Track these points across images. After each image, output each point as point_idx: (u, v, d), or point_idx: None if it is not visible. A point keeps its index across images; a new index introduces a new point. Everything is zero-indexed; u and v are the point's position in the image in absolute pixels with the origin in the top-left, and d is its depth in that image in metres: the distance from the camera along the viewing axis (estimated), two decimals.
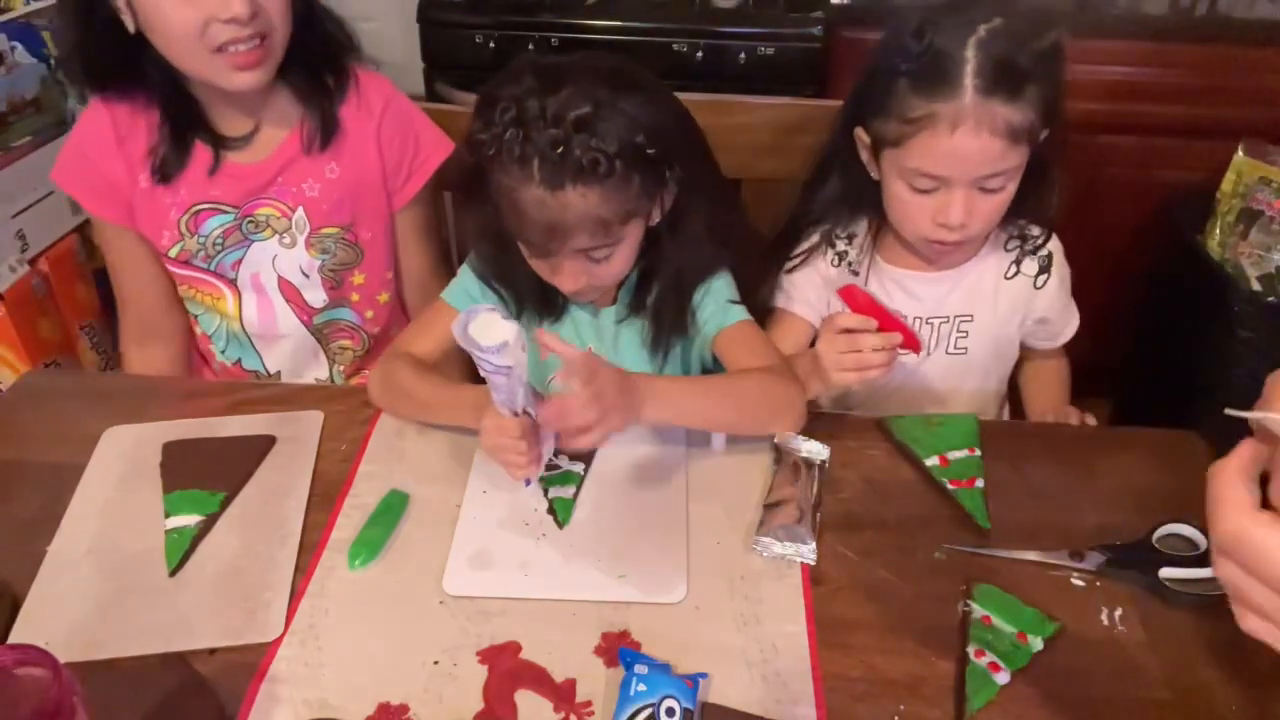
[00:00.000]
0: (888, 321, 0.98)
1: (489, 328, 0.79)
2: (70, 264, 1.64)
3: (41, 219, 1.60)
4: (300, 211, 1.18)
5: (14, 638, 0.80)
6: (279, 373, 1.28)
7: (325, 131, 1.15)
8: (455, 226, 1.38)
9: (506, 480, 0.95)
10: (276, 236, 1.19)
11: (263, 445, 1.00)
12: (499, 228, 0.99)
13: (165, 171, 1.13)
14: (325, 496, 0.94)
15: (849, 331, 0.98)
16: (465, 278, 1.09)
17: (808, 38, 1.75)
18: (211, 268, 1.19)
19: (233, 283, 1.21)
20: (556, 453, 0.96)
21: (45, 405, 1.08)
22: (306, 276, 1.22)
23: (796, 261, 1.16)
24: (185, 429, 1.02)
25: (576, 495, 0.94)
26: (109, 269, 1.25)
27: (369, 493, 0.94)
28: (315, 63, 1.14)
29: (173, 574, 0.86)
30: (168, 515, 0.91)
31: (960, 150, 0.96)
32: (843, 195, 1.14)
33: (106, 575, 0.86)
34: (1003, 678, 0.77)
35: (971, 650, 0.79)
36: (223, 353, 1.27)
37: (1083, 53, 1.76)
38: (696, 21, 1.79)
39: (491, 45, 1.80)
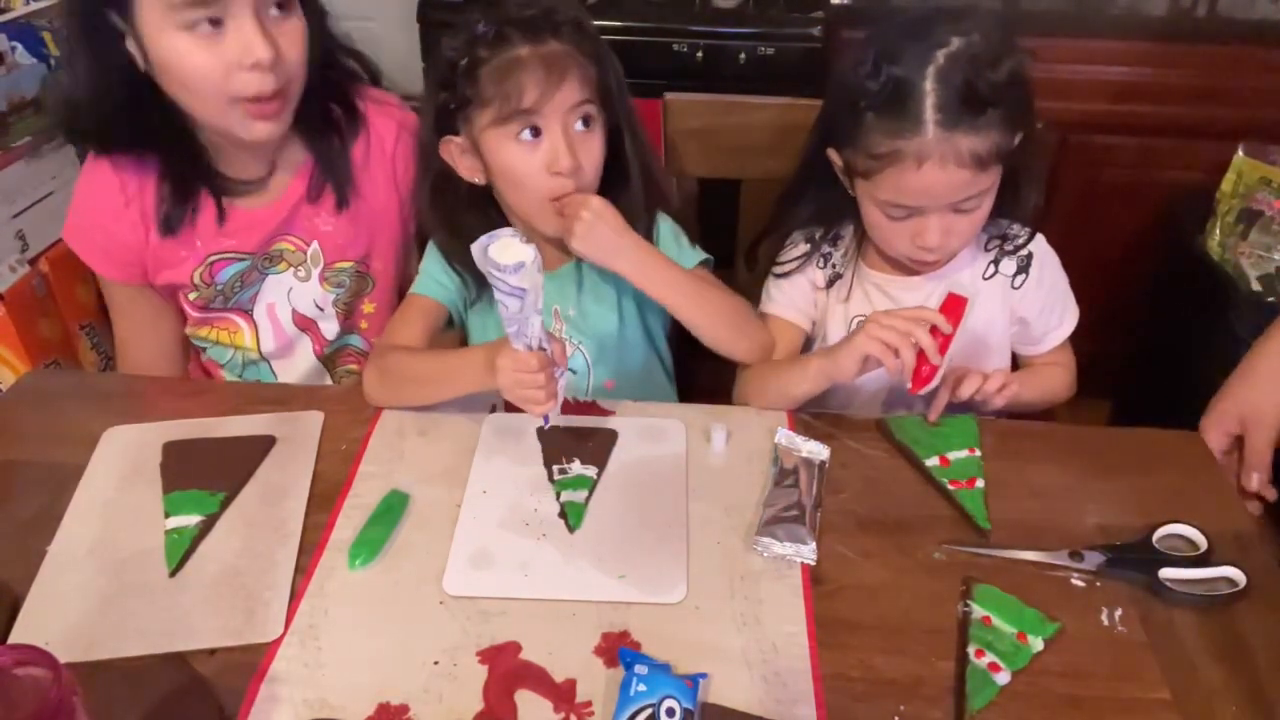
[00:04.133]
0: (944, 347, 0.97)
1: (508, 250, 0.83)
2: (70, 264, 1.63)
3: (41, 219, 1.60)
4: (315, 245, 1.17)
5: (14, 638, 0.80)
6: None
7: (338, 185, 1.14)
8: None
9: (507, 480, 0.95)
10: (292, 270, 1.18)
11: (263, 445, 1.00)
12: (456, 213, 1.07)
13: (170, 225, 1.11)
14: (325, 496, 0.94)
15: (919, 321, 0.96)
16: (430, 266, 1.12)
17: (808, 38, 1.75)
18: (229, 306, 1.19)
19: (249, 314, 1.20)
20: (571, 458, 0.97)
21: (45, 405, 1.08)
22: (321, 310, 1.21)
23: (789, 269, 1.16)
24: (185, 429, 1.02)
25: (589, 500, 0.94)
26: (112, 319, 1.23)
27: (369, 493, 0.94)
28: (327, 102, 1.12)
29: (173, 574, 0.86)
30: (168, 515, 0.91)
31: (928, 184, 0.97)
32: (817, 213, 1.14)
33: (106, 575, 0.86)
34: (1003, 678, 0.77)
35: (971, 650, 0.79)
36: (239, 377, 1.25)
37: (1083, 53, 1.77)
38: (696, 21, 1.79)
39: None
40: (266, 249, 1.16)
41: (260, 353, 1.23)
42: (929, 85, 0.94)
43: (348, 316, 1.24)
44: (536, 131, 0.99)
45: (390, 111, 1.19)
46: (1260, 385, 1.01)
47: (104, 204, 1.11)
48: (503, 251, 0.83)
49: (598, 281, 1.14)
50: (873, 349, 0.96)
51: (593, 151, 1.02)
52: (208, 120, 1.04)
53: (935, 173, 0.95)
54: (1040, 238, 1.14)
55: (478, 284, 1.10)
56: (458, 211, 1.08)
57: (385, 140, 1.17)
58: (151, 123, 1.04)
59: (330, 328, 1.23)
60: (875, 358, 0.96)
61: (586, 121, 1.01)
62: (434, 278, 1.11)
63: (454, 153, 1.05)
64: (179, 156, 1.08)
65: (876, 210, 1.04)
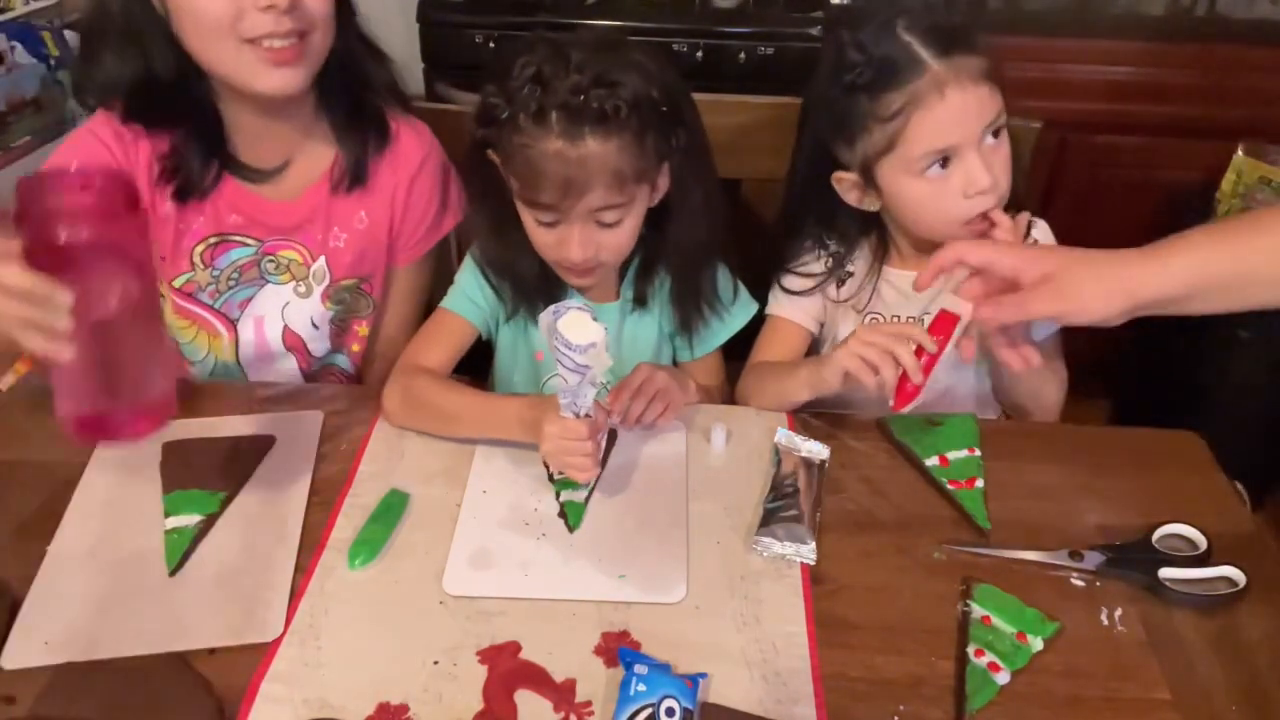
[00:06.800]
0: (929, 366, 0.94)
1: (579, 327, 0.81)
2: None
3: None
4: (322, 261, 1.13)
5: (14, 638, 0.79)
6: None
7: (355, 174, 1.11)
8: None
9: (507, 480, 0.96)
10: (293, 283, 1.14)
11: (263, 445, 1.00)
12: (500, 218, 1.01)
13: (186, 190, 1.06)
14: (325, 496, 0.94)
15: (903, 339, 0.93)
16: (465, 282, 1.09)
17: (808, 38, 1.75)
18: (217, 305, 1.14)
19: (233, 323, 1.15)
20: None
21: (45, 405, 1.08)
22: (316, 328, 1.17)
23: (804, 286, 1.15)
24: (185, 429, 1.02)
25: (588, 499, 0.94)
26: None
27: (369, 493, 0.94)
28: (358, 102, 1.09)
29: (173, 574, 0.86)
30: (168, 515, 0.91)
31: (958, 109, 0.96)
32: (819, 242, 1.14)
33: (106, 575, 0.86)
34: (1003, 678, 0.77)
35: (971, 650, 0.79)
36: (210, 375, 1.19)
37: (1083, 53, 1.77)
38: (696, 21, 1.79)
39: (491, 45, 1.80)
40: (275, 249, 1.12)
41: (238, 360, 1.17)
42: (907, 37, 0.97)
43: (339, 335, 1.20)
44: (555, 221, 0.97)
45: (422, 137, 1.15)
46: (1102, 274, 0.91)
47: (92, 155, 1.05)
48: (573, 328, 0.80)
49: (636, 325, 1.13)
50: (852, 365, 0.95)
51: (615, 239, 0.99)
52: (220, 67, 0.98)
53: (960, 95, 0.96)
54: (1044, 225, 1.12)
55: (514, 300, 1.08)
56: (504, 212, 1.03)
57: (411, 161, 1.14)
58: (183, 93, 1.01)
59: (320, 346, 1.19)
60: (846, 377, 0.96)
61: (610, 218, 0.97)
62: (468, 295, 1.09)
63: (499, 162, 1.00)
64: (203, 128, 1.05)
65: (914, 181, 1.00)
